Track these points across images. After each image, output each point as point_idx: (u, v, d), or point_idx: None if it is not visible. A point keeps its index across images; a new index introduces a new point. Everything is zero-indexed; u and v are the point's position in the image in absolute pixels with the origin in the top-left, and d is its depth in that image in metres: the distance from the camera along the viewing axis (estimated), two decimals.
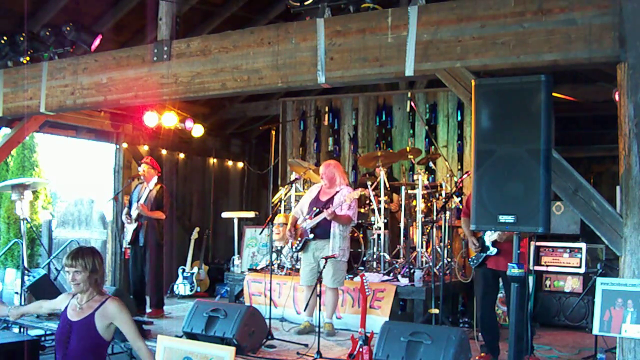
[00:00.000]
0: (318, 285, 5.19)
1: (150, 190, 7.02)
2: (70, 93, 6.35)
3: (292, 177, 7.63)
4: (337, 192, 6.08)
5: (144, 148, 9.41)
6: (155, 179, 7.07)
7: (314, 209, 6.05)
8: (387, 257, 7.08)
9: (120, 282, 8.80)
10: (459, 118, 8.54)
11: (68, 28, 6.21)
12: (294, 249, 6.23)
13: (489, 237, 5.13)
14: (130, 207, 7.09)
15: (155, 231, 6.97)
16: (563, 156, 4.18)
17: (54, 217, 10.20)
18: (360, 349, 4.68)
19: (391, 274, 6.79)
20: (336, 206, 5.91)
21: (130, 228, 7.01)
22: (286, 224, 6.66)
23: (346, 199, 5.95)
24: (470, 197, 5.37)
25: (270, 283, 6.08)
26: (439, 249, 6.82)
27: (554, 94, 4.00)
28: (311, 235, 6.01)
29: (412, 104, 8.58)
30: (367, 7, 4.93)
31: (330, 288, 5.92)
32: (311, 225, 5.98)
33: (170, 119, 8.60)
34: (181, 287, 8.90)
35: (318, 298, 5.22)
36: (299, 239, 6.10)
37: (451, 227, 7.00)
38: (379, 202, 7.16)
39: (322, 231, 5.98)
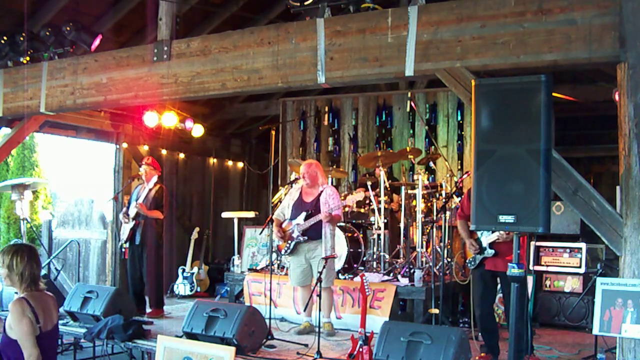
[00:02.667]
0: (318, 286, 5.19)
1: (150, 190, 7.01)
2: (70, 93, 6.34)
3: (292, 177, 7.62)
4: (321, 191, 6.08)
5: (144, 148, 9.41)
6: (154, 179, 7.05)
7: (304, 212, 6.03)
8: (387, 257, 7.09)
9: (120, 282, 8.80)
10: (459, 118, 8.54)
11: (68, 28, 6.21)
12: (282, 253, 6.21)
13: (486, 238, 5.13)
14: (129, 207, 7.09)
15: (154, 230, 6.96)
16: (563, 156, 4.18)
17: (54, 217, 10.19)
18: (360, 349, 4.68)
19: (391, 274, 6.79)
20: (324, 205, 5.93)
21: (127, 227, 6.99)
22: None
23: (348, 201, 5.98)
24: (465, 199, 5.38)
25: (270, 283, 6.08)
26: (439, 249, 6.82)
27: (554, 94, 4.00)
28: (305, 237, 6.01)
29: (412, 104, 8.59)
30: (367, 7, 4.93)
31: (325, 288, 5.92)
32: (303, 228, 5.98)
33: (170, 119, 8.59)
34: (181, 287, 8.90)
35: (318, 298, 5.22)
36: (289, 241, 6.10)
37: (451, 227, 6.99)
38: (379, 202, 7.16)
39: (314, 233, 5.98)
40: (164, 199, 7.04)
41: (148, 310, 7.09)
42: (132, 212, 6.96)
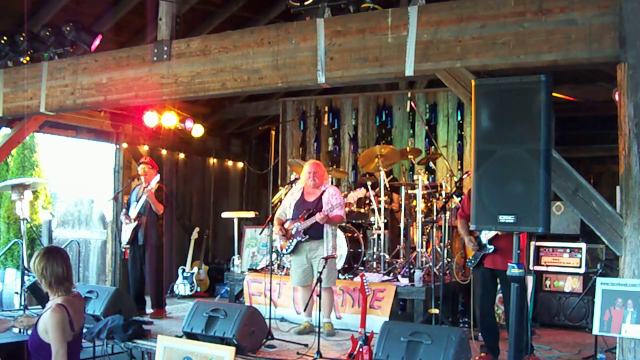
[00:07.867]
0: (318, 286, 5.19)
1: (152, 189, 6.98)
2: (70, 93, 6.35)
3: (292, 177, 7.63)
4: (324, 191, 6.07)
5: (144, 148, 9.41)
6: (157, 178, 6.99)
7: (305, 210, 6.02)
8: (387, 257, 7.08)
9: (120, 282, 8.80)
10: (459, 118, 8.54)
11: (68, 28, 6.21)
12: (284, 252, 6.20)
13: (486, 235, 5.13)
14: (128, 208, 7.07)
15: (155, 230, 6.95)
16: (563, 156, 4.18)
17: (54, 217, 10.19)
18: (360, 349, 4.68)
19: (391, 274, 6.79)
20: (326, 205, 5.92)
21: (128, 228, 6.98)
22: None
23: (349, 199, 5.98)
24: (466, 198, 5.38)
25: (270, 283, 6.08)
26: (439, 249, 6.82)
27: (554, 94, 4.00)
28: (306, 237, 6.00)
29: (412, 104, 8.59)
30: (367, 7, 4.94)
31: (326, 288, 5.92)
32: (304, 227, 5.98)
33: (170, 119, 8.59)
34: (181, 287, 8.89)
35: (318, 298, 5.22)
36: (290, 240, 6.09)
37: (451, 227, 6.99)
38: (379, 202, 7.16)
39: (315, 232, 5.97)
40: (163, 198, 7.03)
41: (149, 310, 7.09)
42: (133, 212, 6.95)
